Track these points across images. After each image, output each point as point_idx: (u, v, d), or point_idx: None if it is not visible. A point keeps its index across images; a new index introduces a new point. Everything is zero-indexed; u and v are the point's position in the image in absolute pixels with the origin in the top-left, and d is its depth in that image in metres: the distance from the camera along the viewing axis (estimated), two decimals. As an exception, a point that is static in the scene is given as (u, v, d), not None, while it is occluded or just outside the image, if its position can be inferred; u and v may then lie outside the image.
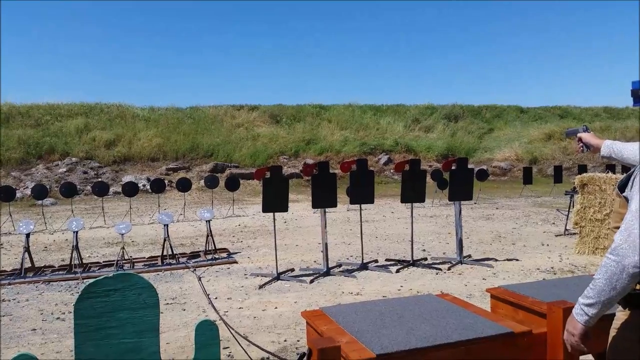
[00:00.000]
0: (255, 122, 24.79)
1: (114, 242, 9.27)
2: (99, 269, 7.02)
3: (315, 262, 7.25)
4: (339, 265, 6.98)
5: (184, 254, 7.87)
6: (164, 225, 7.37)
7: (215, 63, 62.52)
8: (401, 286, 5.88)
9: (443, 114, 28.12)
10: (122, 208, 14.12)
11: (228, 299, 5.55)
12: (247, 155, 21.16)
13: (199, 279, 6.27)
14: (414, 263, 6.91)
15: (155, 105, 25.77)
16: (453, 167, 7.10)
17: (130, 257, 7.52)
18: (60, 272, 6.86)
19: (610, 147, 2.13)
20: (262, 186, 6.35)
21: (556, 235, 9.03)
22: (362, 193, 6.86)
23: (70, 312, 4.92)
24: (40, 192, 12.26)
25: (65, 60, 58.99)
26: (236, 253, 8.03)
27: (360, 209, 7.56)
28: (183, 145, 21.18)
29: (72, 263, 6.93)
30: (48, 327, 4.76)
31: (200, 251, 8.00)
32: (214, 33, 65.73)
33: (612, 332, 1.79)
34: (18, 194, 15.27)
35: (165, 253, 7.38)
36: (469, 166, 7.33)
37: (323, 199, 6.53)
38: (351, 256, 7.61)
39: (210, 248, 7.76)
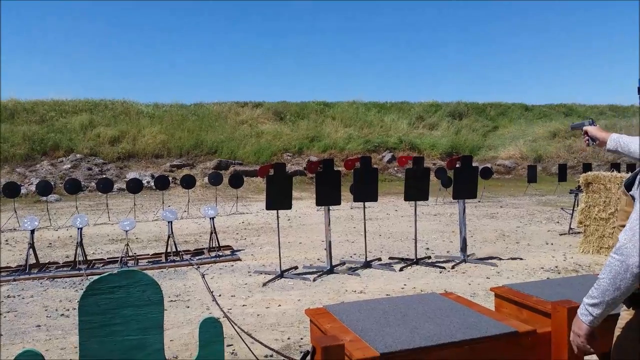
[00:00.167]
0: (259, 119, 24.81)
1: (118, 238, 9.30)
2: (103, 266, 7.05)
3: (318, 260, 7.26)
4: (343, 263, 6.98)
5: (188, 251, 7.88)
6: (168, 222, 7.38)
7: (220, 60, 62.62)
8: (405, 285, 5.87)
9: (447, 111, 28.07)
10: (126, 205, 14.16)
11: (232, 296, 5.56)
12: (251, 152, 21.18)
13: (203, 276, 6.28)
14: (417, 261, 6.90)
15: (159, 102, 25.90)
16: (457, 165, 7.08)
17: (135, 254, 7.54)
18: (65, 269, 6.88)
19: (616, 140, 2.12)
20: (266, 183, 6.35)
21: (560, 234, 9.00)
22: (365, 191, 6.85)
23: (75, 309, 4.94)
24: (44, 188, 12.30)
25: (70, 56, 59.15)
26: (240, 250, 8.04)
27: (364, 207, 7.55)
28: (187, 142, 21.22)
29: (77, 259, 6.95)
30: (52, 324, 4.77)
31: (204, 248, 8.01)
32: (219, 30, 65.76)
33: (617, 332, 1.78)
34: (23, 190, 15.33)
35: (169, 250, 7.40)
36: (473, 164, 7.30)
37: (327, 197, 6.52)
38: (355, 254, 7.60)
39: (214, 245, 7.77)
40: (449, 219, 11.11)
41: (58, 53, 60.07)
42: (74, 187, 12.43)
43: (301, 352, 1.87)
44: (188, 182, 12.89)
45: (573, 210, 9.24)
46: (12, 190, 11.67)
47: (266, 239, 9.07)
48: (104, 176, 17.28)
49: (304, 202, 13.96)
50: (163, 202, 14.10)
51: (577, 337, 1.69)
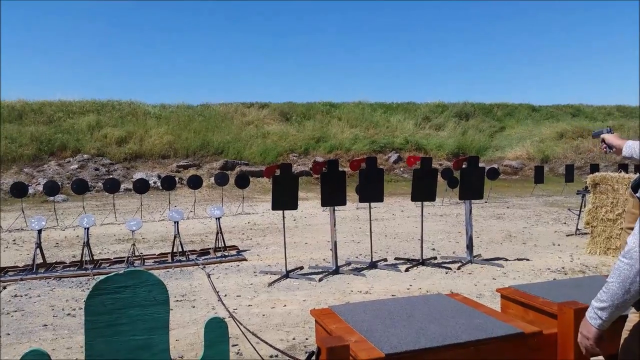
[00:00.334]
0: (265, 120, 24.84)
1: (125, 238, 9.33)
2: (109, 266, 7.08)
3: (324, 260, 7.25)
4: (348, 264, 6.98)
5: (194, 251, 7.90)
6: (174, 222, 7.40)
7: (226, 61, 62.72)
8: (410, 285, 5.86)
9: (454, 112, 27.99)
10: (132, 205, 14.21)
11: (237, 296, 5.56)
12: (257, 152, 21.21)
13: (209, 276, 6.29)
14: (423, 262, 6.88)
15: (166, 103, 25.99)
16: (464, 166, 7.06)
17: (141, 253, 7.56)
18: (72, 268, 6.91)
19: (631, 147, 2.18)
20: (272, 184, 6.36)
21: (567, 235, 8.95)
22: (371, 191, 6.85)
23: (81, 309, 4.95)
24: (52, 188, 12.37)
25: (77, 57, 59.45)
26: (245, 250, 8.05)
27: (370, 207, 7.54)
28: (193, 143, 21.28)
29: (83, 259, 6.99)
30: (59, 323, 4.80)
31: (210, 248, 8.03)
32: (225, 31, 65.91)
33: (625, 334, 1.77)
34: (30, 190, 15.43)
35: (175, 250, 7.42)
36: (480, 165, 7.28)
37: (332, 197, 6.52)
38: (360, 255, 7.60)
39: (219, 245, 7.79)
40: (455, 219, 11.08)
41: (65, 54, 60.42)
42: (81, 188, 12.49)
43: (306, 353, 1.87)
44: (195, 183, 12.93)
45: (580, 211, 9.19)
46: (20, 190, 11.75)
47: (272, 239, 9.08)
48: (111, 176, 17.36)
49: (309, 203, 13.97)
50: (169, 202, 14.14)
51: (586, 340, 1.68)
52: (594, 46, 71.00)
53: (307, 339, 4.22)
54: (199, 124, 22.91)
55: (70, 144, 20.06)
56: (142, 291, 1.99)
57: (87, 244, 6.96)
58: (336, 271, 6.48)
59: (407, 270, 6.58)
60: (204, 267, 6.93)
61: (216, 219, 7.88)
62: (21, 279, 6.42)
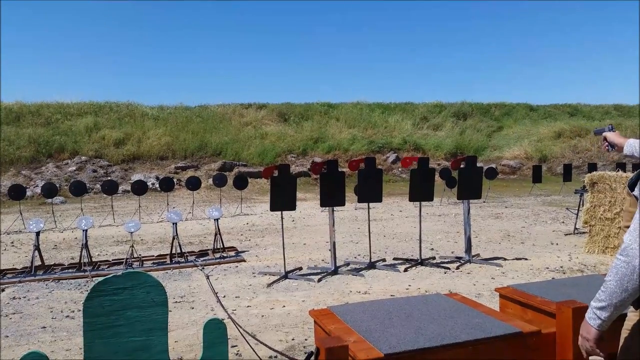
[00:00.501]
0: (264, 121, 24.83)
1: (123, 240, 9.32)
2: (108, 267, 7.07)
3: (323, 260, 7.25)
4: (347, 264, 6.98)
5: (193, 252, 7.90)
6: (173, 223, 7.40)
7: (224, 61, 62.73)
8: (409, 285, 5.86)
9: (452, 112, 28.01)
10: (131, 206, 14.19)
11: (236, 297, 5.56)
12: (255, 153, 21.20)
13: (207, 277, 6.29)
14: (422, 262, 6.89)
15: (164, 104, 25.97)
16: (462, 166, 7.07)
17: (139, 255, 7.55)
18: (70, 270, 6.90)
19: (632, 145, 2.19)
20: (270, 185, 6.35)
21: (566, 234, 8.97)
22: (370, 191, 6.85)
23: (80, 310, 4.95)
24: (50, 190, 12.35)
25: (75, 58, 59.41)
26: (244, 251, 8.05)
27: (369, 208, 7.54)
28: (192, 144, 21.26)
29: (82, 261, 6.98)
30: (58, 325, 4.79)
31: (208, 249, 8.02)
32: (223, 31, 65.91)
33: (624, 333, 1.77)
34: (28, 193, 15.40)
35: (174, 251, 7.41)
36: (478, 164, 7.29)
37: (331, 198, 6.52)
38: (359, 255, 7.60)
39: (218, 246, 7.78)
40: (453, 219, 11.09)
41: (62, 55, 60.37)
42: (79, 189, 12.47)
43: (305, 353, 1.87)
44: (194, 184, 12.93)
45: (578, 210, 9.21)
46: (17, 193, 11.72)
47: (270, 240, 9.08)
48: (109, 178, 17.34)
49: (308, 203, 13.97)
50: (168, 204, 14.13)
51: (586, 342, 1.67)
52: (591, 46, 71.16)
53: (306, 339, 4.22)
54: (197, 125, 22.89)
55: (68, 145, 20.02)
56: (141, 293, 1.99)
57: (85, 246, 6.95)
58: (335, 272, 6.48)
59: (405, 270, 6.58)
60: (203, 268, 6.93)
61: (215, 220, 7.87)
62: (20, 281, 6.41)
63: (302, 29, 67.13)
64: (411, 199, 7.06)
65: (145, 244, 8.94)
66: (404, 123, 25.85)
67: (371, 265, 6.76)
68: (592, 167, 11.86)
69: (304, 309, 4.98)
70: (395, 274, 6.41)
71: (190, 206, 13.63)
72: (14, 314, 5.17)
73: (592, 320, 1.64)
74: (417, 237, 7.61)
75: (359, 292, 5.65)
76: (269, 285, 6.01)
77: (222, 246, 7.82)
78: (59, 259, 7.86)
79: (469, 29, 69.57)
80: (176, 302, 5.41)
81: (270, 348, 2.86)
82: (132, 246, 7.34)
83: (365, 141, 23.12)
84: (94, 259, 7.37)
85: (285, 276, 6.30)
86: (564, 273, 6.29)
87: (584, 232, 8.31)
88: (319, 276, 6.31)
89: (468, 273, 6.39)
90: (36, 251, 6.86)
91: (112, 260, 7.51)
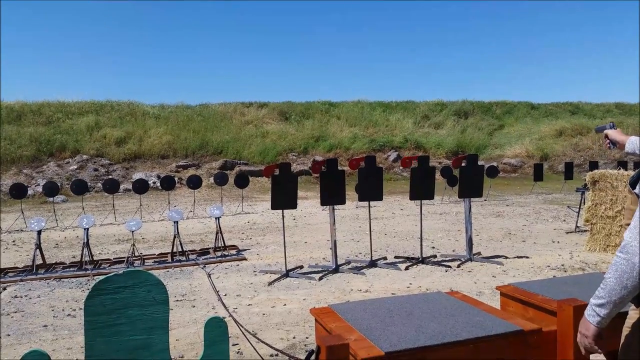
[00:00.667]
0: (265, 119, 24.83)
1: (125, 239, 9.33)
2: (109, 266, 7.08)
3: (324, 259, 7.26)
4: (348, 263, 6.98)
5: (194, 250, 7.90)
6: (174, 222, 7.40)
7: (225, 60, 62.73)
8: (410, 284, 5.86)
9: (453, 110, 27.99)
10: (132, 205, 14.20)
11: (237, 295, 5.57)
12: (256, 152, 21.21)
13: (209, 275, 6.29)
14: (423, 260, 6.89)
15: (165, 103, 25.98)
16: (463, 164, 7.07)
17: (141, 254, 7.56)
18: (71, 269, 6.91)
19: (634, 142, 2.19)
20: (271, 183, 6.36)
21: (567, 233, 8.96)
22: (371, 190, 6.85)
23: (81, 309, 4.95)
24: (51, 189, 12.37)
25: (76, 58, 59.43)
26: (245, 250, 8.05)
27: (369, 206, 7.54)
28: (193, 143, 21.27)
29: (83, 260, 6.99)
30: (59, 324, 4.80)
31: (209, 248, 8.03)
32: (224, 30, 65.88)
33: (625, 331, 1.76)
34: (29, 191, 15.42)
35: (175, 250, 7.42)
36: (479, 163, 7.28)
37: (332, 196, 6.52)
38: (360, 253, 7.60)
39: (219, 245, 7.79)
40: (454, 217, 11.08)
41: (63, 55, 60.38)
42: (80, 188, 12.49)
43: (306, 352, 1.88)
44: (195, 183, 12.93)
45: (579, 208, 9.20)
46: (19, 191, 11.74)
47: (271, 238, 9.08)
48: (110, 177, 17.36)
49: (309, 202, 13.97)
50: (169, 202, 14.14)
51: (585, 339, 1.67)
52: (592, 45, 71.03)
53: (307, 337, 4.22)
54: (198, 124, 22.90)
55: (69, 144, 20.05)
56: (142, 291, 2.00)
57: (86, 245, 6.96)
58: (336, 270, 6.48)
59: (406, 268, 6.58)
60: (204, 266, 6.93)
61: (216, 218, 7.88)
62: (21, 280, 6.42)
63: (302, 29, 67.13)
64: (412, 198, 7.06)
65: (146, 243, 8.95)
66: (405, 121, 25.84)
67: (372, 264, 6.76)
68: (594, 165, 11.83)
69: (305, 308, 4.99)
70: (396, 273, 6.41)
71: (191, 205, 13.64)
72: (15, 312, 5.18)
73: (591, 317, 1.63)
74: (418, 235, 7.60)
75: (360, 290, 5.65)
76: (270, 283, 6.01)
77: (223, 245, 7.82)
78: (60, 257, 7.87)
79: (469, 29, 69.53)
80: (177, 300, 5.42)
81: (271, 347, 2.86)
82: (134, 245, 7.34)
83: (366, 140, 23.11)
84: (95, 258, 7.38)
85: (286, 274, 6.31)
86: (565, 271, 6.29)
87: (585, 230, 8.30)
88: (320, 274, 6.31)
89: (469, 271, 6.39)
90: (37, 250, 6.87)
91: (114, 258, 7.51)
